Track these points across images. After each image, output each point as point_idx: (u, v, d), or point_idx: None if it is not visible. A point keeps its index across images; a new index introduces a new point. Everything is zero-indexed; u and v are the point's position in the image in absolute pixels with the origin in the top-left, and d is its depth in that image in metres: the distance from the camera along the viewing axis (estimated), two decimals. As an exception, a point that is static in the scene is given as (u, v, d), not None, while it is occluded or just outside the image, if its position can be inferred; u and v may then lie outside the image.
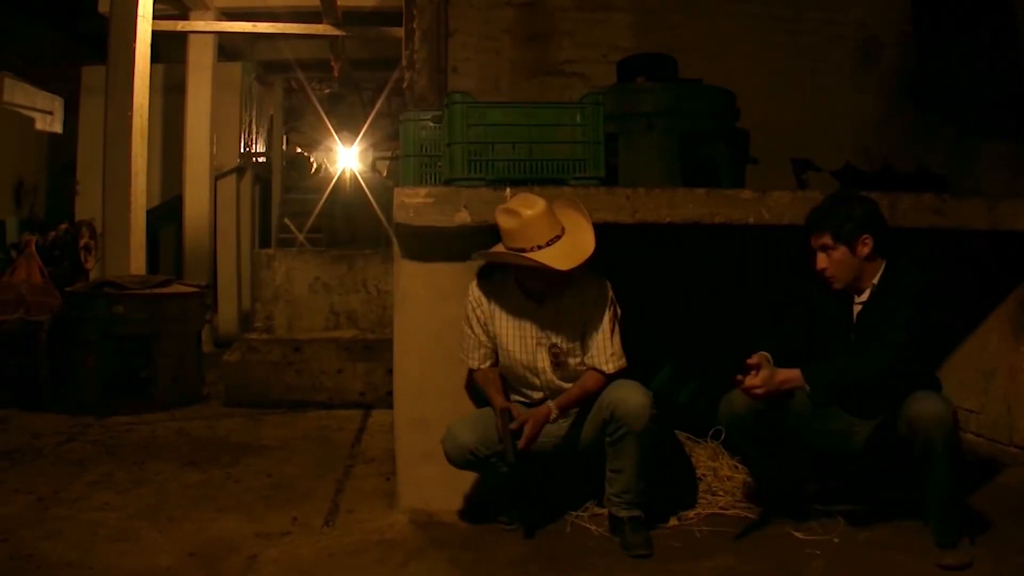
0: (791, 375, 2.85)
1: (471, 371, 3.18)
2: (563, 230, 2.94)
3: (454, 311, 3.17)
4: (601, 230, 2.99)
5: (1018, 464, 3.75)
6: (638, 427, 2.89)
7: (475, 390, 3.22)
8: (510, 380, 3.16)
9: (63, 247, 6.65)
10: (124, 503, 3.54)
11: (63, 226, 6.88)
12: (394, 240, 3.29)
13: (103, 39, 6.78)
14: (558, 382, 3.07)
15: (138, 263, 6.54)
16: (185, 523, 3.29)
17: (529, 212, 2.89)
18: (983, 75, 4.91)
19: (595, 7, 4.96)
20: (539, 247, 2.88)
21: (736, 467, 3.54)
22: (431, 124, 3.45)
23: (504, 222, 2.92)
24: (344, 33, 8.63)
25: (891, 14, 5.07)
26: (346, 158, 13.05)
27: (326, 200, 10.47)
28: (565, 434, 3.10)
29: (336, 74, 10.41)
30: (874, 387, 2.90)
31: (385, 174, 13.06)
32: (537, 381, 3.10)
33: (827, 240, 2.93)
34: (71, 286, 6.02)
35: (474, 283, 3.13)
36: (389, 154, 13.27)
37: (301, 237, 9.35)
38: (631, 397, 2.91)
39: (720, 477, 3.49)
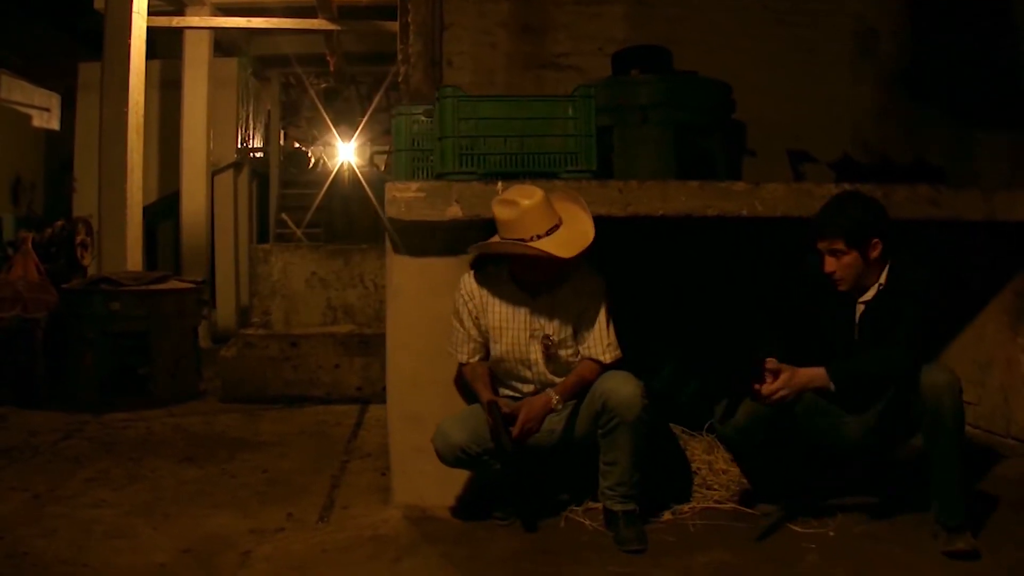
0: (815, 374, 2.82)
1: (460, 366, 3.17)
2: (560, 220, 2.93)
3: (446, 306, 3.15)
4: (594, 223, 2.98)
5: (1016, 455, 3.74)
6: (630, 417, 2.87)
7: (464, 386, 3.22)
8: (500, 374, 3.14)
9: (59, 244, 6.64)
10: (120, 500, 3.54)
11: (59, 223, 6.87)
12: (386, 235, 3.27)
13: (100, 36, 6.78)
14: (550, 375, 3.07)
15: (135, 259, 6.55)
16: (180, 519, 3.29)
17: (527, 202, 2.88)
18: (981, 66, 4.90)
19: (590, 0, 4.94)
20: (539, 236, 2.87)
21: (731, 460, 3.52)
22: (423, 118, 3.44)
23: (501, 213, 2.91)
24: (339, 27, 8.63)
25: (888, 5, 5.05)
26: (344, 153, 13.03)
27: (324, 195, 10.42)
28: (559, 427, 3.08)
29: (332, 69, 10.40)
30: (894, 383, 2.88)
31: (383, 168, 13.03)
32: (529, 374, 3.08)
33: (839, 245, 2.89)
34: (68, 283, 6.02)
35: (465, 276, 3.12)
36: (387, 149, 13.24)
37: (298, 232, 9.34)
38: (622, 387, 2.90)
39: (715, 471, 3.48)
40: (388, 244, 3.30)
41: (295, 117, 14.09)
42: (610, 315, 3.07)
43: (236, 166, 9.80)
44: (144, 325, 5.61)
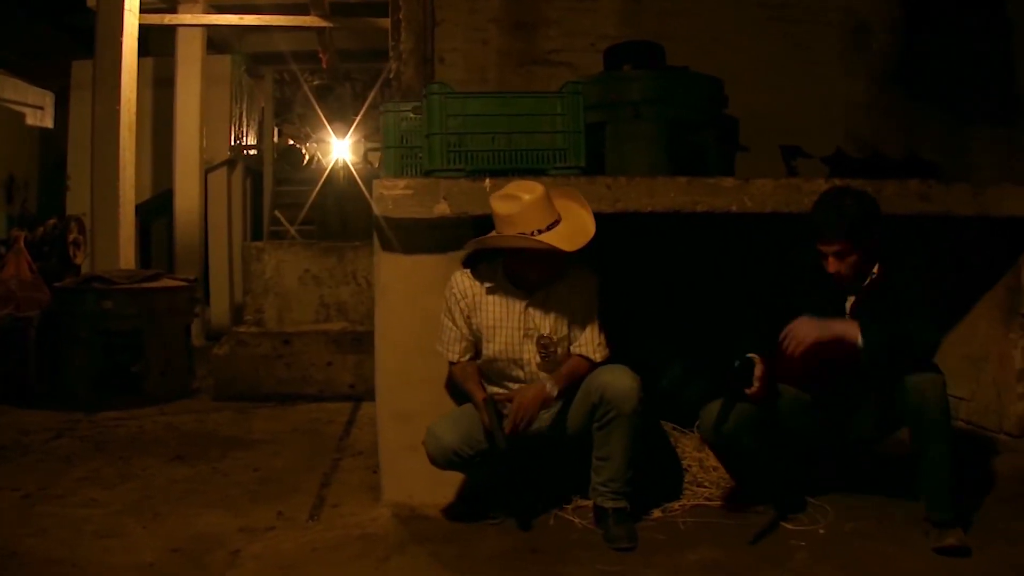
0: (847, 326, 2.80)
1: (450, 365, 3.14)
2: (560, 216, 2.92)
3: (435, 304, 3.13)
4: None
5: (1008, 451, 3.74)
6: (627, 409, 2.85)
7: (454, 387, 3.19)
8: (492, 374, 3.11)
9: (52, 242, 6.65)
10: (110, 499, 3.52)
11: (52, 221, 6.87)
12: (375, 232, 3.26)
13: (93, 33, 6.76)
14: (542, 375, 3.04)
15: (127, 257, 6.54)
16: (170, 518, 3.27)
17: (528, 196, 2.86)
18: (974, 61, 4.89)
19: (582, -5, 4.93)
20: (540, 231, 2.85)
21: (721, 459, 3.52)
22: (412, 115, 3.42)
23: (502, 207, 2.88)
24: (332, 24, 8.60)
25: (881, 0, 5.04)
26: (338, 149, 13.03)
27: (318, 192, 10.42)
28: (552, 422, 3.07)
29: (325, 66, 10.38)
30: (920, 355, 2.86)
31: (377, 165, 13.03)
32: (521, 374, 3.06)
33: (843, 246, 2.88)
34: (60, 281, 6.00)
35: (457, 274, 3.09)
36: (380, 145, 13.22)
37: (292, 230, 9.33)
38: (619, 380, 2.88)
39: (706, 468, 3.46)
40: (376, 242, 3.29)
41: (289, 114, 14.07)
42: (599, 313, 3.06)
43: (230, 163, 9.78)
44: (136, 323, 5.59)
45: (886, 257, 2.97)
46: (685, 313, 3.83)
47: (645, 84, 3.81)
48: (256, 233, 11.11)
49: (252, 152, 11.07)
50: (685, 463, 3.52)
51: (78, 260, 6.80)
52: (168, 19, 8.22)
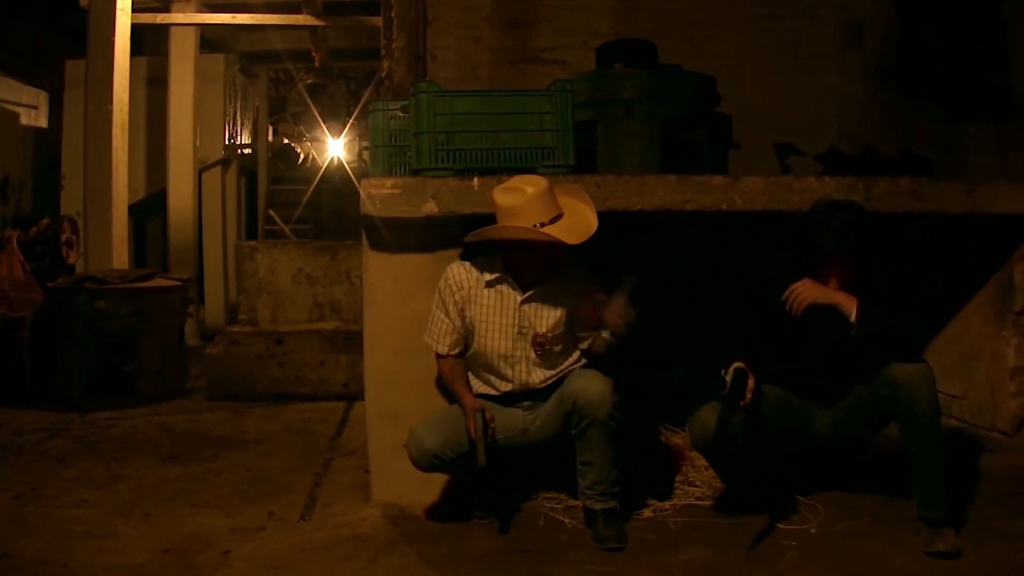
0: (845, 297, 2.80)
1: (438, 358, 3.11)
2: (562, 211, 2.91)
3: (423, 303, 3.12)
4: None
5: (1001, 449, 3.74)
6: (601, 415, 2.84)
7: (443, 384, 3.18)
8: (478, 368, 3.09)
9: (45, 242, 6.62)
10: (102, 500, 3.51)
11: (45, 221, 6.85)
12: (363, 231, 3.24)
13: (86, 32, 6.75)
14: (530, 376, 3.03)
15: (121, 257, 6.53)
16: (162, 519, 3.27)
17: (532, 189, 2.85)
18: (968, 57, 4.89)
19: (575, -6, 4.93)
20: (543, 224, 2.84)
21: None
22: (400, 114, 3.41)
23: (505, 200, 2.87)
24: (324, 23, 8.58)
25: (875, -3, 5.05)
26: (333, 148, 13.00)
27: (313, 191, 10.42)
28: (530, 427, 3.06)
29: (318, 64, 10.36)
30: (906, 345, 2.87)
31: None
32: (510, 372, 3.04)
33: (845, 261, 2.88)
34: (53, 281, 5.99)
35: (454, 265, 3.06)
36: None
37: (287, 229, 9.31)
38: (590, 385, 2.87)
39: (697, 467, 3.45)
40: (365, 241, 3.27)
41: (284, 113, 14.04)
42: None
43: (224, 163, 9.77)
44: (129, 323, 5.59)
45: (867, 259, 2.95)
46: (685, 313, 3.81)
47: (637, 82, 3.81)
48: (251, 232, 11.10)
49: (246, 151, 11.06)
50: (676, 462, 3.51)
51: (71, 260, 6.78)
52: (161, 18, 8.20)
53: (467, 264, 3.06)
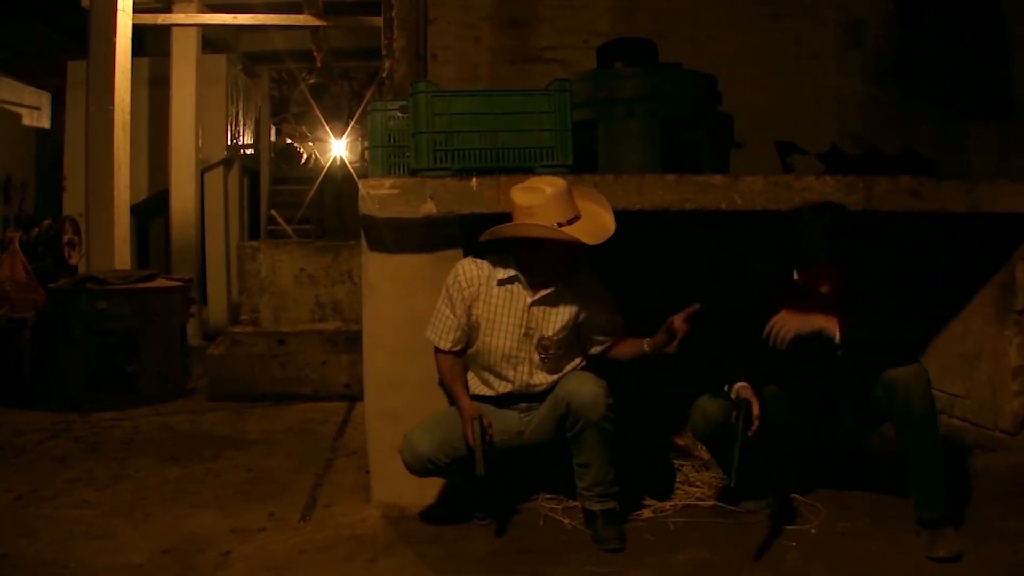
0: (828, 322, 2.77)
1: (437, 354, 3.09)
2: (579, 213, 2.90)
3: (422, 303, 3.12)
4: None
5: (1003, 448, 3.72)
6: (595, 417, 2.83)
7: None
8: (479, 366, 3.08)
9: (46, 243, 6.64)
10: (102, 500, 3.52)
11: (47, 222, 6.86)
12: (362, 232, 3.24)
13: (87, 33, 6.75)
14: (531, 379, 3.03)
15: (122, 258, 6.54)
16: (162, 519, 3.27)
17: (552, 189, 2.85)
18: (968, 56, 4.87)
19: (575, -7, 4.93)
20: (561, 224, 2.83)
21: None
22: (399, 114, 3.40)
23: (524, 199, 2.86)
24: (325, 23, 8.58)
25: (875, -4, 5.04)
26: (336, 148, 13.00)
27: (316, 190, 10.41)
28: (526, 430, 3.05)
29: (319, 64, 10.37)
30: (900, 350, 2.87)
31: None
32: (512, 373, 3.03)
33: (832, 269, 2.87)
34: (55, 282, 6.00)
35: (465, 261, 3.05)
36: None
37: (289, 229, 9.31)
38: (583, 388, 2.86)
39: (697, 468, 3.45)
40: (364, 242, 3.27)
41: (286, 113, 14.05)
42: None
43: (226, 163, 9.77)
44: (131, 324, 5.59)
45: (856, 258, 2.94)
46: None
47: (638, 82, 3.80)
48: (253, 232, 11.10)
49: (249, 151, 11.06)
50: (676, 463, 3.50)
51: (73, 261, 6.79)
52: (162, 19, 8.21)
53: (479, 261, 3.04)
